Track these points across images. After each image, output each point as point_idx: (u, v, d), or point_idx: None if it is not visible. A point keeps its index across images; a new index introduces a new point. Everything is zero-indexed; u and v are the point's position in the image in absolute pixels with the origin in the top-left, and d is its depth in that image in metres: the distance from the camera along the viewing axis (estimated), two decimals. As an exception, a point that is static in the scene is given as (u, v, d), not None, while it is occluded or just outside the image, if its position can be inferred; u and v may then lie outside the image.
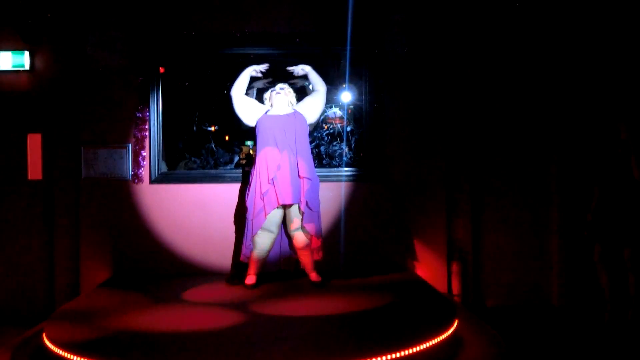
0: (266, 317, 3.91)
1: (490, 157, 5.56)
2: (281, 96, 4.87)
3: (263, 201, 4.67)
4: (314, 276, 4.80)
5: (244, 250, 4.82)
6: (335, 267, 5.26)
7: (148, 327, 3.70)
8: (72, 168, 5.37)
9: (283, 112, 4.86)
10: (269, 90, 4.96)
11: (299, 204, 4.69)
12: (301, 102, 4.99)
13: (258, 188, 4.70)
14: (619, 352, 4.28)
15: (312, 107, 4.93)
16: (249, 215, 4.75)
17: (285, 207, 4.72)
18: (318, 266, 4.88)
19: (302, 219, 4.72)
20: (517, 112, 5.57)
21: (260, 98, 5.10)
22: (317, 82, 5.01)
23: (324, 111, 5.51)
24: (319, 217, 4.83)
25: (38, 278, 5.39)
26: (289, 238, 4.89)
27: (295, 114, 4.86)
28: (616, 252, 4.70)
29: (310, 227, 4.75)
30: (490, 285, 5.53)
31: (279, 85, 4.95)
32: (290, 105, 4.93)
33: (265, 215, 4.66)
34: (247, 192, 4.84)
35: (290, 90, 4.97)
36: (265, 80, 5.13)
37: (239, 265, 5.03)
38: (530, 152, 5.57)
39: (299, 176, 4.70)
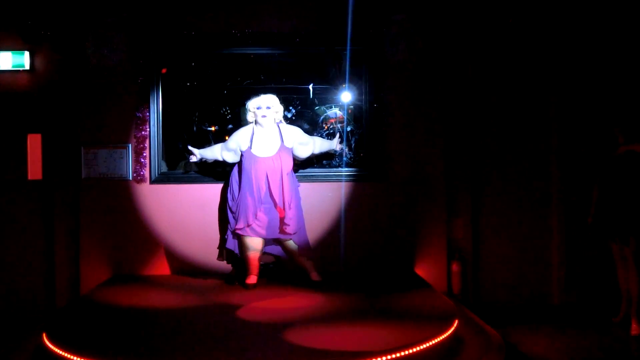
0: (265, 316, 3.91)
1: (490, 157, 5.56)
2: (267, 119, 4.78)
3: (246, 226, 4.76)
4: (314, 276, 4.82)
5: (230, 244, 4.91)
6: (335, 266, 5.27)
7: (148, 327, 3.70)
8: (72, 168, 5.36)
9: (269, 148, 4.76)
10: (254, 104, 4.80)
11: (283, 237, 4.79)
12: (300, 137, 4.94)
13: (237, 215, 4.79)
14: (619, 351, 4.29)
15: (306, 149, 4.97)
16: (231, 226, 4.87)
17: None
18: (318, 266, 4.89)
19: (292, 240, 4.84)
20: (517, 112, 5.57)
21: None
22: (324, 148, 5.08)
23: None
24: (304, 230, 4.91)
25: (38, 278, 5.39)
26: (282, 246, 4.92)
27: (281, 151, 4.77)
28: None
29: (299, 242, 4.84)
30: (490, 285, 5.53)
31: (266, 103, 4.78)
32: (274, 122, 4.86)
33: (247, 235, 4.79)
34: (229, 200, 4.90)
35: (277, 105, 4.85)
36: (256, 100, 4.86)
37: (239, 265, 5.02)
38: (530, 152, 5.57)
39: (282, 221, 4.75)
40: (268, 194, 4.75)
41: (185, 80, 5.61)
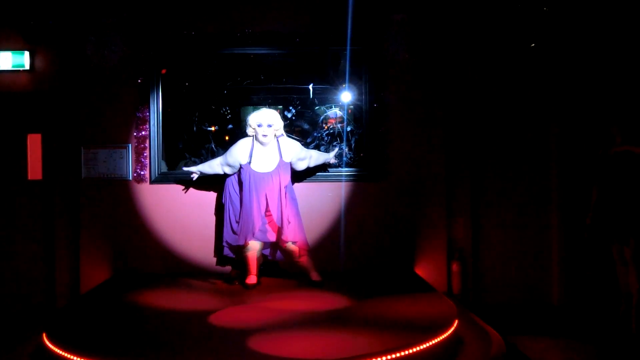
0: (265, 316, 3.91)
1: (490, 157, 5.56)
2: (268, 138, 4.76)
3: (244, 233, 4.76)
4: (315, 276, 4.82)
5: (225, 251, 4.95)
6: (335, 266, 5.27)
7: (148, 327, 3.70)
8: (72, 168, 5.37)
9: (267, 164, 4.76)
10: (255, 121, 4.74)
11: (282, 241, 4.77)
12: (299, 152, 4.93)
13: (239, 232, 4.80)
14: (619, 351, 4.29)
15: (303, 163, 4.98)
16: (233, 239, 4.86)
17: None
18: (317, 266, 4.89)
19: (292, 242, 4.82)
20: (517, 112, 5.58)
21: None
22: (320, 161, 5.11)
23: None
24: (303, 232, 4.89)
25: (38, 278, 5.39)
26: (281, 249, 4.91)
27: (279, 169, 4.76)
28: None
29: (298, 244, 4.83)
30: (490, 284, 5.54)
31: (267, 120, 4.72)
32: (275, 138, 4.84)
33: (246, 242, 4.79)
34: (229, 212, 4.90)
35: (278, 122, 4.81)
36: (257, 116, 4.81)
37: (239, 264, 5.03)
38: (530, 152, 5.57)
39: (282, 238, 4.73)
40: (266, 206, 4.76)
41: (185, 80, 5.61)
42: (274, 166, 4.77)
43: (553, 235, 5.53)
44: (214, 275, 5.21)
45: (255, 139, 4.82)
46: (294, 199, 4.90)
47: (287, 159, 4.84)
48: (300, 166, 5.00)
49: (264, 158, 4.80)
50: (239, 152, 4.85)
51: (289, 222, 4.75)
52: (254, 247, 4.79)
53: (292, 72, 5.63)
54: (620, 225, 4.58)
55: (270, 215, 4.75)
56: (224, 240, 4.92)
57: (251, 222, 4.71)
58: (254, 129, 4.78)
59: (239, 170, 4.88)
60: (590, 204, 4.81)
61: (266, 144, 4.79)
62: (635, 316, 4.53)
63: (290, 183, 4.93)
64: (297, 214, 4.90)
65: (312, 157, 5.08)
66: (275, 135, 4.85)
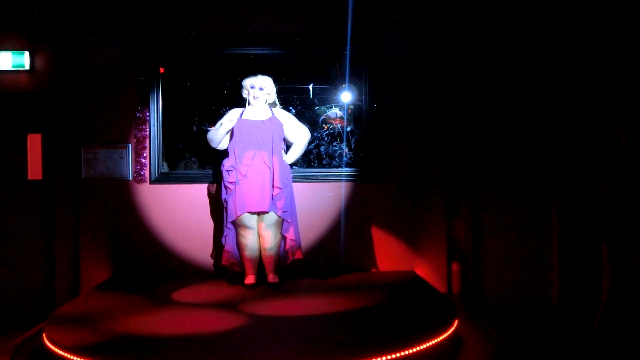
0: (265, 317, 3.91)
1: (490, 157, 5.55)
2: (258, 100, 4.84)
3: (236, 206, 4.68)
4: (271, 277, 4.78)
5: (226, 255, 4.87)
6: (335, 266, 5.27)
7: (147, 328, 3.70)
8: (72, 168, 5.37)
9: (259, 116, 4.82)
10: (249, 82, 4.85)
11: (274, 211, 4.70)
12: (291, 117, 4.97)
13: (231, 192, 4.72)
14: (618, 351, 4.29)
15: (293, 132, 4.93)
16: (229, 215, 4.76)
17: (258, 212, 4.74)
18: (317, 265, 4.89)
19: (282, 227, 4.78)
20: (517, 111, 5.57)
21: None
22: (301, 143, 4.97)
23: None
24: (295, 219, 4.87)
25: (38, 278, 5.39)
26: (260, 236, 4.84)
27: (272, 119, 4.82)
28: (622, 255, 4.66)
29: (291, 241, 4.81)
30: (490, 284, 5.53)
31: (259, 83, 4.84)
32: (267, 104, 4.88)
33: (240, 214, 4.68)
34: (223, 193, 4.83)
35: (270, 87, 4.89)
36: (251, 79, 4.89)
37: (239, 265, 5.02)
38: (530, 151, 5.57)
39: (273, 185, 4.69)
40: (259, 159, 4.69)
41: (185, 80, 5.62)
42: (267, 117, 4.82)
43: (553, 235, 5.53)
44: (214, 275, 5.21)
45: (248, 103, 4.88)
46: (287, 168, 4.86)
47: (278, 116, 4.88)
48: (290, 134, 4.94)
49: (256, 112, 4.85)
50: (231, 113, 4.91)
51: (280, 174, 4.69)
52: (251, 245, 4.74)
53: (292, 72, 5.63)
54: (625, 228, 4.55)
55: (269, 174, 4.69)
56: (225, 223, 4.84)
57: (245, 164, 4.66)
58: (247, 90, 4.87)
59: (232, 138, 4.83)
60: (595, 205, 4.77)
61: (256, 105, 4.83)
62: None
63: (284, 154, 4.88)
64: (292, 194, 4.88)
65: (301, 134, 4.96)
66: (266, 102, 4.89)
